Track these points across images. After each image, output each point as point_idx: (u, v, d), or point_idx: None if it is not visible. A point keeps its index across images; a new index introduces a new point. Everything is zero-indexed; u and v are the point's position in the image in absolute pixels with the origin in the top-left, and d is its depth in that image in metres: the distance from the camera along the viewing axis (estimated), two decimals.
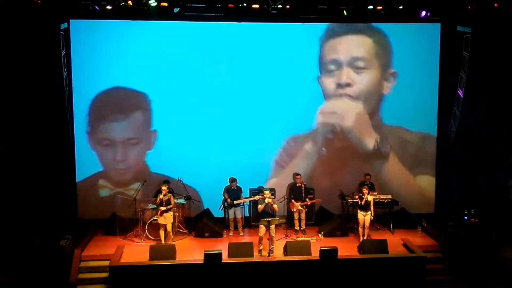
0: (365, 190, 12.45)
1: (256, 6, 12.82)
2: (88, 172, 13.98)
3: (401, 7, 13.13)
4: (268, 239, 11.63)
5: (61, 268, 11.29)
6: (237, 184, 13.26)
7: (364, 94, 14.06)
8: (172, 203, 12.31)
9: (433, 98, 14.39)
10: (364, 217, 12.41)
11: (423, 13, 13.44)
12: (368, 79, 14.05)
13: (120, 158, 13.91)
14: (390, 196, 13.47)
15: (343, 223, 13.28)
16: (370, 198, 12.43)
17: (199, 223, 13.25)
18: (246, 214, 13.85)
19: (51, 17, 12.88)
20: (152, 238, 12.63)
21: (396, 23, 13.97)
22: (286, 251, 11.71)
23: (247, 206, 13.81)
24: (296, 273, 11.17)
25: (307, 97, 14.04)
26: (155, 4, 12.46)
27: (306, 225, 13.34)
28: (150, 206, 12.93)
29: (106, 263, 11.26)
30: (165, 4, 12.67)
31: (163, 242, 12.20)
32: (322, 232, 13.10)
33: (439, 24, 14.09)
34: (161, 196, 12.12)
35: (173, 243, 12.12)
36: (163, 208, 12.09)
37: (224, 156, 14.06)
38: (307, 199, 13.07)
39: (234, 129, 14.06)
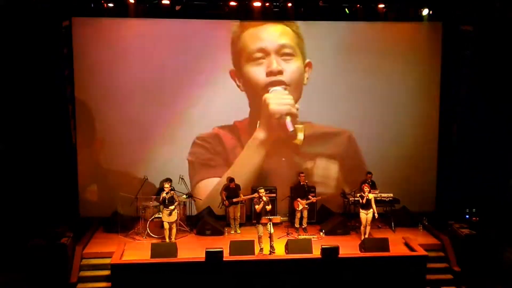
0: (366, 189, 12.45)
1: (258, 4, 12.83)
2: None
3: (403, 6, 13.15)
4: (269, 237, 11.63)
5: (62, 266, 11.29)
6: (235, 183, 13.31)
7: (294, 81, 13.97)
8: (176, 200, 12.33)
9: (435, 97, 14.40)
10: (366, 216, 12.42)
11: (425, 11, 13.44)
12: (294, 68, 13.96)
13: None
14: (391, 194, 13.48)
15: (344, 221, 13.28)
16: (371, 196, 12.43)
17: (200, 221, 13.25)
18: (248, 213, 13.86)
19: (53, 14, 12.87)
20: (154, 235, 12.64)
21: (398, 21, 13.95)
22: (287, 249, 11.71)
23: (248, 203, 13.80)
24: (298, 271, 11.17)
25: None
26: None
27: (308, 223, 13.33)
28: (152, 204, 12.94)
29: (108, 260, 11.26)
30: (167, 2, 12.68)
31: (167, 240, 12.21)
32: (323, 230, 13.11)
33: (441, 23, 14.09)
34: (164, 194, 12.12)
35: (174, 241, 12.13)
36: (172, 207, 12.12)
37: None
38: (310, 197, 13.06)
39: None
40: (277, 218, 11.94)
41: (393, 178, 14.42)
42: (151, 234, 12.68)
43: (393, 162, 14.52)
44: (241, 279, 11.03)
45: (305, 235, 12.95)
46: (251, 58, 13.84)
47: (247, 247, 11.52)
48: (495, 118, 13.81)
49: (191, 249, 11.97)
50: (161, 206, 12.26)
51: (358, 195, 12.77)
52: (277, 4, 13.13)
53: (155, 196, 13.12)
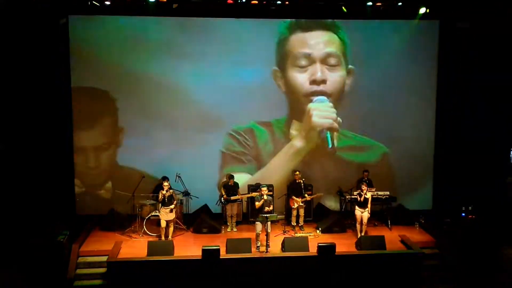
0: (364, 187, 12.46)
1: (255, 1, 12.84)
2: None
3: (400, 3, 13.15)
4: (266, 235, 11.65)
5: (59, 263, 11.29)
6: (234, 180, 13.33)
7: (336, 91, 14.05)
8: (175, 198, 12.32)
9: (432, 96, 14.42)
10: (362, 214, 12.44)
11: (422, 10, 13.46)
12: (338, 77, 14.03)
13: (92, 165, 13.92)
14: (388, 193, 13.50)
15: (341, 220, 13.30)
16: (369, 195, 12.45)
17: (197, 219, 13.26)
18: (244, 210, 13.88)
19: (50, 12, 12.86)
20: (150, 233, 12.64)
21: (395, 19, 13.96)
22: (284, 247, 11.72)
23: (246, 202, 13.81)
24: (294, 269, 11.19)
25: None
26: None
27: (304, 221, 13.35)
28: (149, 201, 12.94)
29: (104, 258, 11.27)
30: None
31: (163, 238, 12.21)
32: (320, 228, 13.12)
33: (438, 21, 14.11)
34: (163, 192, 12.12)
35: (171, 239, 12.13)
36: (172, 206, 12.14)
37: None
38: (306, 195, 13.08)
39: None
40: (274, 216, 11.94)
41: (390, 176, 14.45)
42: (147, 232, 12.68)
43: (390, 160, 14.53)
44: (238, 277, 11.03)
45: (302, 233, 12.95)
46: (296, 63, 13.85)
47: (244, 245, 11.53)
48: (492, 117, 13.86)
49: (188, 247, 11.99)
50: (159, 205, 12.25)
51: (355, 193, 12.77)
52: (274, 2, 13.11)
53: (152, 194, 13.11)
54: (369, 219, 12.61)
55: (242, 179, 13.94)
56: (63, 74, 13.43)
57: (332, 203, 14.31)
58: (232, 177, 13.33)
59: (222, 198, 13.33)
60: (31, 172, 12.99)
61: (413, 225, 13.51)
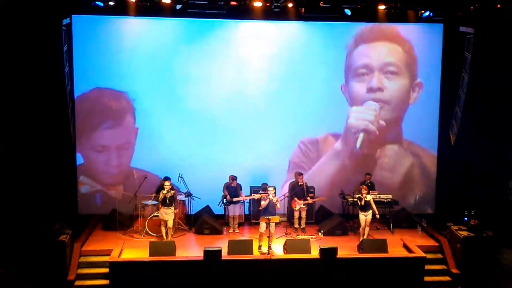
0: (364, 191, 12.43)
1: (259, 4, 12.82)
2: None
3: (403, 7, 13.15)
4: (268, 237, 11.64)
5: (61, 263, 11.30)
6: (237, 182, 13.32)
7: (395, 99, 14.11)
8: (176, 200, 12.31)
9: (435, 99, 14.41)
10: (366, 217, 12.41)
11: (426, 13, 13.45)
12: (397, 86, 14.09)
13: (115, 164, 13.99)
14: (390, 196, 13.47)
15: (343, 222, 13.28)
16: (369, 197, 12.42)
17: (199, 219, 13.25)
18: (247, 212, 13.87)
19: (54, 12, 12.86)
20: (152, 234, 12.64)
21: (399, 23, 13.97)
22: (286, 249, 11.71)
23: (247, 204, 13.81)
24: (296, 271, 11.18)
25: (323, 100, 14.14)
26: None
27: (306, 223, 13.34)
28: (151, 202, 12.94)
29: (106, 258, 11.28)
30: (168, 1, 12.68)
31: (164, 238, 12.20)
32: (322, 231, 13.11)
33: (442, 24, 14.11)
34: (164, 192, 12.12)
35: (173, 239, 12.12)
36: (172, 207, 12.15)
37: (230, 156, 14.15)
38: (308, 198, 13.07)
39: (243, 129, 14.17)
40: (276, 218, 11.94)
41: (392, 179, 14.43)
42: (149, 232, 12.68)
43: (393, 163, 14.51)
44: (239, 278, 11.02)
45: (304, 235, 12.94)
46: (356, 73, 14.00)
47: (246, 246, 11.53)
48: (495, 120, 13.83)
49: (190, 248, 12.00)
50: (160, 205, 12.26)
51: (356, 196, 12.75)
52: (278, 4, 13.13)
53: (154, 195, 13.11)
54: (375, 221, 12.59)
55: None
56: (66, 74, 13.43)
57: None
58: (235, 178, 13.31)
59: (225, 199, 13.33)
60: (33, 172, 13.00)
61: (415, 228, 13.49)
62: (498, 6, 12.70)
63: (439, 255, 12.28)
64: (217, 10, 13.28)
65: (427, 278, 11.53)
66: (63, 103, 13.50)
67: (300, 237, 12.75)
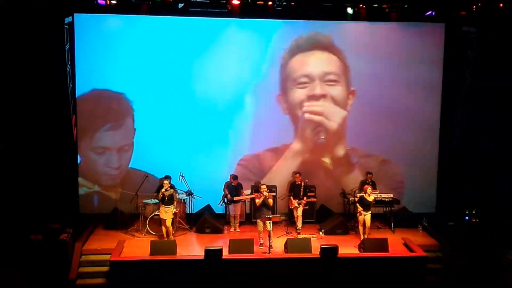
0: (368, 190, 12.41)
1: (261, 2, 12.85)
2: None
3: (406, 6, 13.13)
4: (268, 236, 11.65)
5: (62, 262, 11.32)
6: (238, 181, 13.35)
7: (336, 106, 14.20)
8: (175, 197, 12.33)
9: (436, 99, 14.39)
10: (365, 217, 12.41)
11: (428, 12, 13.43)
12: (338, 92, 14.19)
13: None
14: (391, 195, 13.47)
15: (344, 221, 13.28)
16: (372, 198, 12.42)
17: (200, 219, 13.26)
18: (247, 211, 13.88)
19: (55, 11, 12.87)
20: (153, 233, 12.65)
21: (401, 22, 13.95)
22: (286, 248, 11.72)
23: (248, 203, 13.82)
24: (297, 270, 11.18)
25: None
26: None
27: (307, 222, 13.36)
28: (152, 201, 12.96)
29: (107, 257, 11.28)
30: None
31: (165, 237, 12.21)
32: (322, 230, 13.11)
33: (444, 24, 14.08)
34: (163, 190, 12.13)
35: (174, 238, 12.13)
36: (172, 206, 12.16)
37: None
38: (304, 197, 13.06)
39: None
40: (277, 217, 11.95)
41: (394, 178, 14.43)
42: (150, 231, 12.69)
43: (394, 162, 14.52)
44: (240, 277, 11.03)
45: (303, 234, 12.90)
46: (296, 82, 14.08)
47: (247, 245, 11.54)
48: (496, 120, 13.81)
49: (191, 247, 12.01)
50: (159, 203, 12.27)
51: (358, 195, 12.74)
52: (280, 3, 13.12)
53: (155, 194, 13.12)
54: (372, 222, 12.59)
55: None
56: (68, 73, 13.44)
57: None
58: (236, 177, 13.33)
59: (226, 198, 13.34)
60: (35, 171, 13.00)
61: (416, 227, 13.49)
62: (501, 5, 12.68)
63: (440, 254, 12.26)
64: (219, 9, 13.29)
65: (428, 277, 11.52)
66: (65, 102, 13.52)
67: (301, 236, 12.75)
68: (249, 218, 13.84)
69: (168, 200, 12.16)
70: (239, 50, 13.93)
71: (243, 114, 14.13)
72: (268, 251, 11.60)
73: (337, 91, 14.17)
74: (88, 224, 13.05)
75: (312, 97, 14.08)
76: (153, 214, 12.76)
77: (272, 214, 12.17)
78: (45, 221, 11.91)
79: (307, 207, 13.32)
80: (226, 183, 13.47)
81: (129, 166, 14.06)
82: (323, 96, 14.08)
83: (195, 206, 13.66)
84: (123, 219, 13.05)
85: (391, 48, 14.19)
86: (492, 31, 13.32)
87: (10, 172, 12.68)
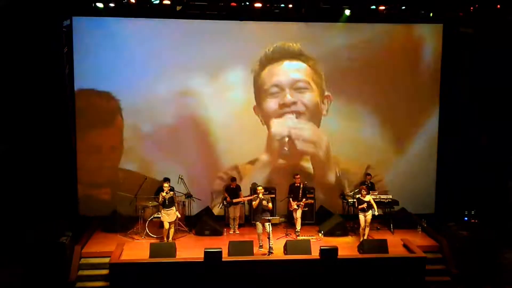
0: (363, 191, 12.44)
1: (259, 5, 12.84)
2: None
3: (403, 7, 13.15)
4: (268, 238, 11.65)
5: (61, 264, 11.29)
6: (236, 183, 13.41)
7: (309, 110, 14.24)
8: (175, 201, 12.33)
9: (435, 99, 14.42)
10: (365, 218, 12.42)
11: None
12: (309, 99, 14.25)
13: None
14: (390, 196, 13.48)
15: (343, 223, 13.28)
16: (368, 198, 12.43)
17: (199, 221, 13.26)
18: (247, 213, 13.88)
19: (54, 14, 12.87)
20: (153, 235, 12.64)
21: (399, 23, 13.97)
22: (286, 250, 11.72)
23: (248, 205, 13.82)
24: (296, 272, 11.17)
25: None
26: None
27: (307, 224, 13.36)
28: (151, 203, 12.95)
29: (106, 260, 11.28)
30: (168, 2, 12.69)
31: (165, 240, 12.20)
32: (322, 232, 13.11)
33: (442, 25, 14.10)
34: (164, 194, 12.12)
35: (173, 241, 12.13)
36: (173, 208, 12.17)
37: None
38: (303, 199, 13.06)
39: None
40: (276, 219, 11.95)
41: (393, 179, 14.44)
42: (150, 234, 12.69)
43: (393, 163, 14.53)
44: (240, 279, 11.02)
45: (303, 236, 12.89)
46: (268, 92, 14.18)
47: (246, 247, 11.54)
48: (494, 120, 13.83)
49: (190, 249, 11.97)
50: (160, 206, 12.26)
51: (356, 197, 12.74)
52: (278, 5, 13.13)
53: (154, 196, 13.12)
54: (371, 223, 12.59)
55: None
56: (67, 75, 13.45)
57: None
58: (234, 179, 13.35)
59: (225, 200, 13.34)
60: (33, 173, 12.99)
61: (416, 228, 13.49)
62: (498, 6, 12.71)
63: (439, 255, 12.26)
64: (217, 11, 13.30)
65: (427, 278, 11.49)
66: (64, 105, 13.50)
67: (301, 237, 12.74)
68: (249, 220, 13.84)
69: (169, 203, 12.15)
70: (225, 55, 13.94)
71: (224, 122, 14.16)
72: (268, 253, 11.60)
73: (308, 96, 14.25)
74: (87, 227, 13.04)
75: (283, 106, 14.14)
76: (152, 217, 12.75)
77: (271, 216, 12.17)
78: (44, 224, 11.88)
79: (306, 209, 13.34)
80: (225, 185, 13.47)
81: (126, 167, 14.03)
82: (293, 103, 14.15)
83: (194, 209, 13.65)
84: (122, 222, 13.04)
85: (388, 50, 14.19)
86: (489, 32, 13.35)
87: (9, 175, 12.69)
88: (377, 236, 12.80)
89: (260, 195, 11.93)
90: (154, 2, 12.62)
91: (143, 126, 13.98)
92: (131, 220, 13.21)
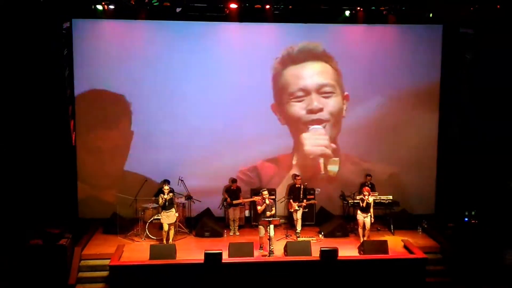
0: (366, 192, 12.43)
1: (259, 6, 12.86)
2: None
3: (404, 8, 13.15)
4: (269, 239, 11.64)
5: (61, 266, 11.29)
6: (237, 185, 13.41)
7: (333, 116, 14.23)
8: (175, 202, 12.32)
9: (435, 101, 14.41)
10: (364, 219, 12.41)
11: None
12: (334, 103, 14.24)
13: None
14: (391, 197, 13.44)
15: (343, 224, 13.27)
16: (371, 199, 12.42)
17: (199, 222, 13.25)
18: (247, 214, 13.87)
19: (54, 16, 12.89)
20: (153, 237, 12.64)
21: (399, 24, 13.97)
22: (286, 251, 11.71)
23: (248, 206, 13.81)
24: (296, 273, 11.16)
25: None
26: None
27: (307, 225, 13.35)
28: (151, 205, 12.95)
29: (106, 262, 11.27)
30: (168, 3, 12.70)
31: (165, 241, 12.20)
32: (322, 233, 13.10)
33: (441, 25, 14.10)
34: (164, 196, 12.11)
35: (173, 242, 12.12)
36: (173, 210, 12.19)
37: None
38: (304, 200, 13.05)
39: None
40: (276, 220, 11.94)
41: (393, 180, 14.43)
42: (150, 235, 12.68)
43: (393, 164, 14.52)
44: (240, 281, 11.02)
45: (304, 237, 12.89)
46: (292, 95, 14.12)
47: (246, 249, 11.53)
48: (494, 121, 13.82)
49: (190, 251, 11.98)
50: (160, 208, 12.26)
51: (358, 197, 12.75)
52: (278, 6, 13.14)
53: (154, 198, 13.11)
54: (372, 224, 12.58)
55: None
56: (67, 78, 13.46)
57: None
58: (235, 181, 13.34)
59: (225, 202, 13.34)
60: (34, 176, 13.01)
61: (416, 229, 13.48)
62: (498, 6, 12.70)
63: (440, 256, 12.25)
64: (217, 13, 13.31)
65: (428, 279, 11.48)
66: (63, 107, 13.51)
67: (301, 239, 12.73)
68: (249, 222, 13.84)
69: (169, 205, 12.14)
70: (233, 56, 13.95)
71: (238, 122, 14.10)
72: (268, 255, 11.59)
73: (333, 102, 14.21)
74: (87, 229, 13.04)
75: (310, 112, 14.08)
76: (152, 219, 12.75)
77: (272, 217, 12.15)
78: (44, 226, 11.88)
79: (306, 210, 13.33)
80: (225, 186, 13.46)
81: (126, 169, 14.04)
82: (320, 110, 14.09)
83: (194, 210, 13.65)
84: (122, 224, 13.04)
85: (388, 51, 14.19)
86: (490, 32, 13.34)
87: (9, 177, 12.69)
88: (378, 237, 12.80)
89: (267, 201, 11.88)
90: (154, 4, 12.63)
91: (143, 127, 13.97)
92: (131, 222, 13.21)
